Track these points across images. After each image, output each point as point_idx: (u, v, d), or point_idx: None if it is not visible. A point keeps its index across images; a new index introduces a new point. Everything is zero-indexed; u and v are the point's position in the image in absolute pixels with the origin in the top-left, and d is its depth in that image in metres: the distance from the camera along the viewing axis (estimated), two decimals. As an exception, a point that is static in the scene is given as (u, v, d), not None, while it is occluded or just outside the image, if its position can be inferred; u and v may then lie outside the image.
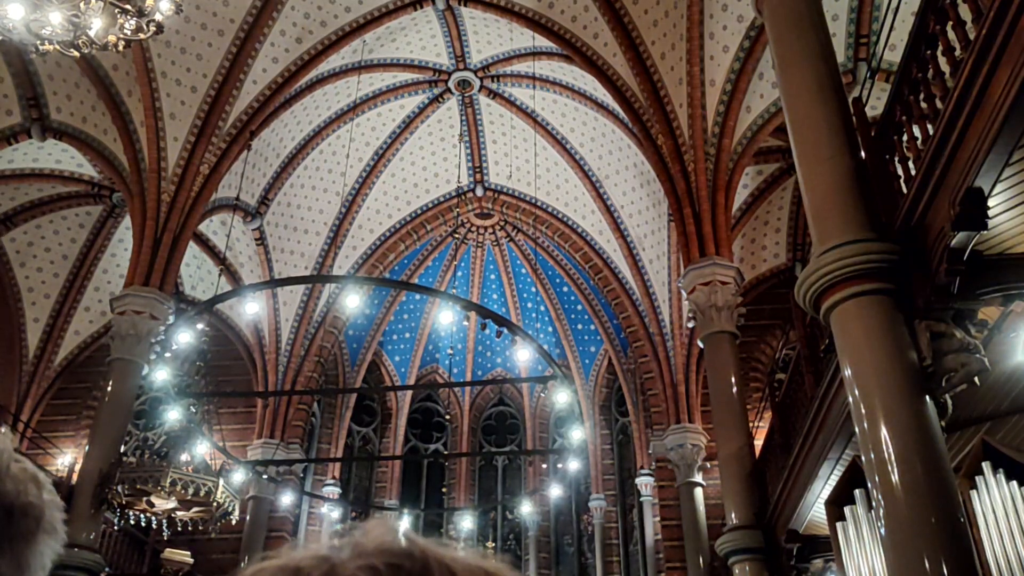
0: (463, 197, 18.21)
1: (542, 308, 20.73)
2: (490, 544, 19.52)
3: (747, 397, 12.37)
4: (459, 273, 20.55)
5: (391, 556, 0.66)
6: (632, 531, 18.96)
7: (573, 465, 14.11)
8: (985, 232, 4.92)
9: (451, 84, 16.02)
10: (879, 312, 5.55)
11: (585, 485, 20.13)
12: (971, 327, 5.33)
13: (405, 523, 15.95)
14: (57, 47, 6.50)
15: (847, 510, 7.53)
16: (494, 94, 16.27)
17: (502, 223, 19.62)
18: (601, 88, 13.86)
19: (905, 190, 5.65)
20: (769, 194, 15.44)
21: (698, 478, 14.35)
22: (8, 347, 16.93)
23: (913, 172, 5.49)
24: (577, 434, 12.45)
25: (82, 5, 6.30)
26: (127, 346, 12.20)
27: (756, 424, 12.85)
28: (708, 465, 14.43)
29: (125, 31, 6.63)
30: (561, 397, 11.11)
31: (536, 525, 20.22)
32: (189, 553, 14.56)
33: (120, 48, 6.76)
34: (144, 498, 11.83)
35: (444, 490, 20.75)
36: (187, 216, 13.45)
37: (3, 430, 1.10)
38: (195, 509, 12.46)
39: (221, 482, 12.18)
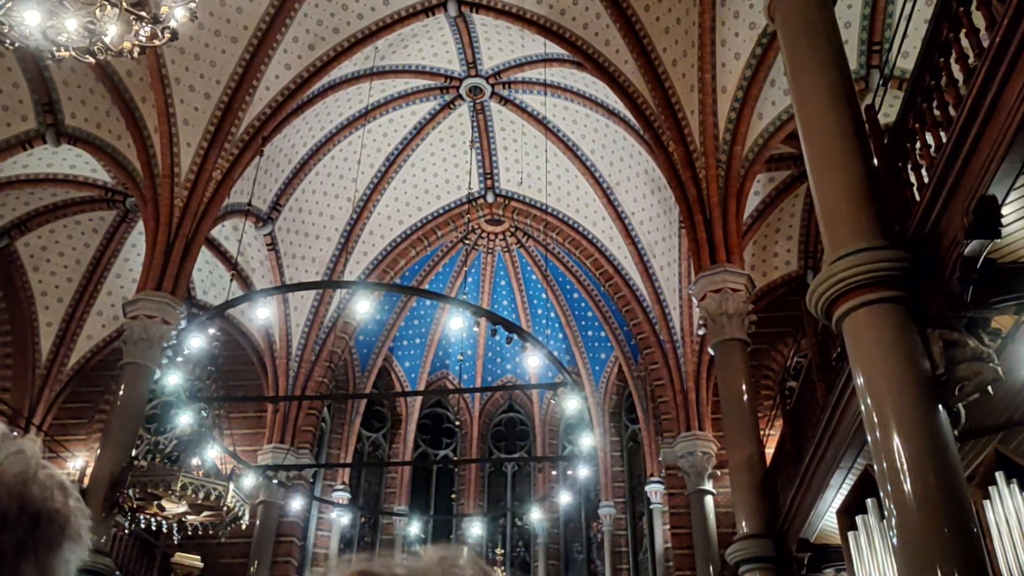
0: (474, 203, 18.23)
1: (552, 314, 20.70)
2: (499, 551, 19.46)
3: (758, 405, 12.31)
4: (469, 279, 20.56)
5: None
6: (642, 539, 18.88)
7: (583, 472, 14.07)
8: (999, 240, 4.89)
9: (462, 90, 16.06)
10: (891, 320, 5.51)
11: (595, 492, 20.05)
12: (984, 336, 5.29)
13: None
14: (72, 53, 6.55)
15: (859, 519, 7.48)
16: (505, 100, 16.30)
17: (513, 229, 19.62)
18: (612, 95, 13.87)
19: (918, 198, 5.62)
20: (781, 201, 15.39)
21: (708, 486, 14.28)
22: (21, 351, 17.04)
23: (926, 180, 5.46)
24: (587, 441, 12.44)
25: (98, 12, 6.35)
26: (139, 350, 12.26)
27: (767, 432, 12.78)
28: (719, 473, 14.36)
29: (140, 38, 6.67)
30: (571, 404, 11.07)
31: (545, 532, 20.16)
32: (199, 557, 14.59)
33: (135, 55, 6.80)
34: (155, 502, 11.89)
35: (453, 496, 20.72)
36: (199, 221, 13.52)
37: (31, 436, 1.10)
38: (205, 513, 12.51)
39: (231, 486, 12.23)
